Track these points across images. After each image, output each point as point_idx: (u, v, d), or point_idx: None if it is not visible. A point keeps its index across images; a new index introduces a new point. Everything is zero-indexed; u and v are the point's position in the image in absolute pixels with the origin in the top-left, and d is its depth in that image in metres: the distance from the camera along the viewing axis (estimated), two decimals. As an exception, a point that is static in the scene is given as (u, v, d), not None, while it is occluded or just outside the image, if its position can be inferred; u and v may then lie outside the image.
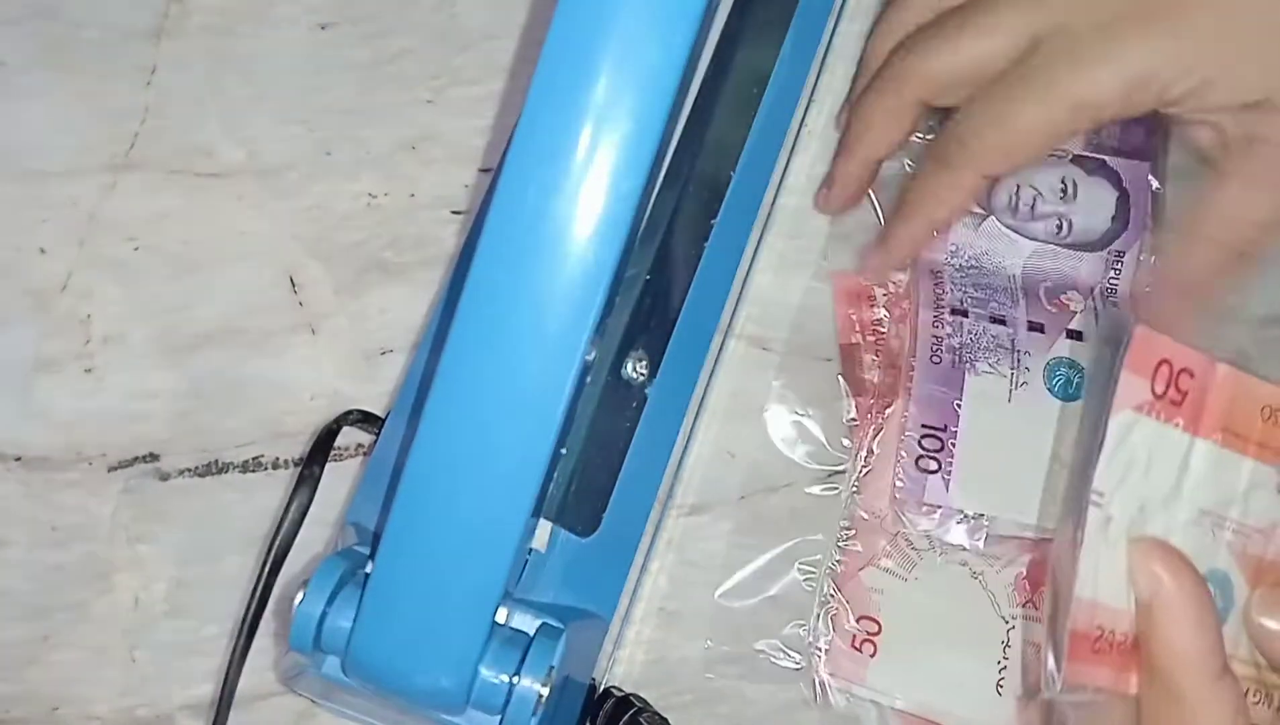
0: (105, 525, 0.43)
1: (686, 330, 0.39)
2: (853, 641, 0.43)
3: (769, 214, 0.45)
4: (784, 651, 0.43)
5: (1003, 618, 0.43)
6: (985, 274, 0.45)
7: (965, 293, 0.45)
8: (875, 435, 0.44)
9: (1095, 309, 0.45)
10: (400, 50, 0.48)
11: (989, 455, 0.43)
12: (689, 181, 0.41)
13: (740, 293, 0.44)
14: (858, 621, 0.43)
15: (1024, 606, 0.43)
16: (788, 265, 0.46)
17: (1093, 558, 0.33)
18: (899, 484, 0.43)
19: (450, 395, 0.30)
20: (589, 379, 0.34)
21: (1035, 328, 0.44)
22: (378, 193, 0.47)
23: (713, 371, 0.43)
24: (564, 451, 0.36)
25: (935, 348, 0.44)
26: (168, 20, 0.48)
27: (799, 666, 0.43)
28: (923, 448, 0.43)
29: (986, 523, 0.43)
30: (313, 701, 0.40)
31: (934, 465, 0.42)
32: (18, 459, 0.44)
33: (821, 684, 0.43)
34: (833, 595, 0.43)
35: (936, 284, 0.45)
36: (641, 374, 0.39)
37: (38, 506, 0.44)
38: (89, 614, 0.43)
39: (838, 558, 0.43)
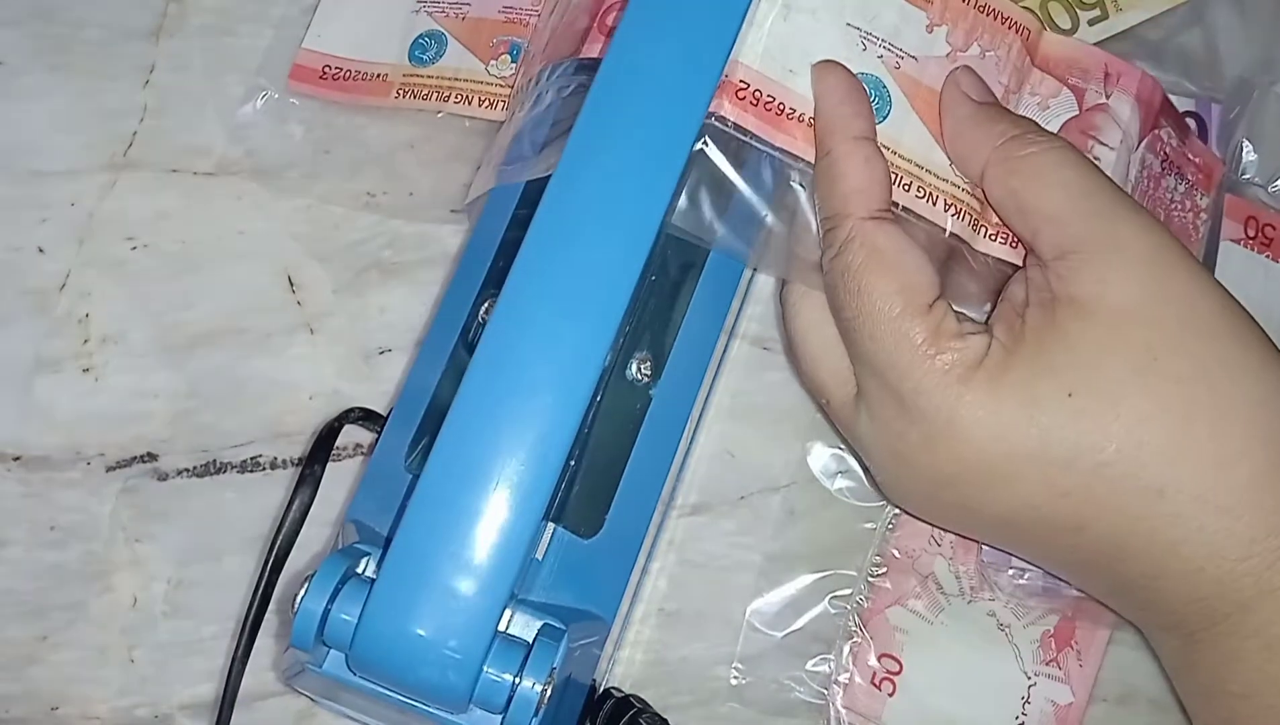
0: (104, 525, 0.43)
1: (690, 331, 0.39)
2: (872, 678, 0.43)
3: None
4: (808, 684, 0.43)
5: (1025, 673, 0.43)
6: None
7: None
8: None
9: None
10: (400, 50, 0.48)
11: None
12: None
13: (745, 293, 0.44)
14: (879, 659, 0.43)
15: (1048, 664, 0.43)
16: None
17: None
18: (985, 546, 0.42)
19: (475, 403, 0.31)
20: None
21: None
22: (377, 192, 0.47)
23: (716, 372, 0.43)
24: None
25: None
26: (167, 19, 0.48)
27: (820, 701, 0.43)
28: None
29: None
30: (312, 700, 0.40)
31: None
32: (17, 458, 0.44)
33: (838, 718, 0.43)
34: (858, 630, 0.43)
35: None
36: (645, 375, 0.39)
37: (37, 506, 0.43)
38: (88, 614, 0.43)
39: (866, 593, 0.43)
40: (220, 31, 0.48)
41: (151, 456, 0.44)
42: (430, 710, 0.32)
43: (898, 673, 0.43)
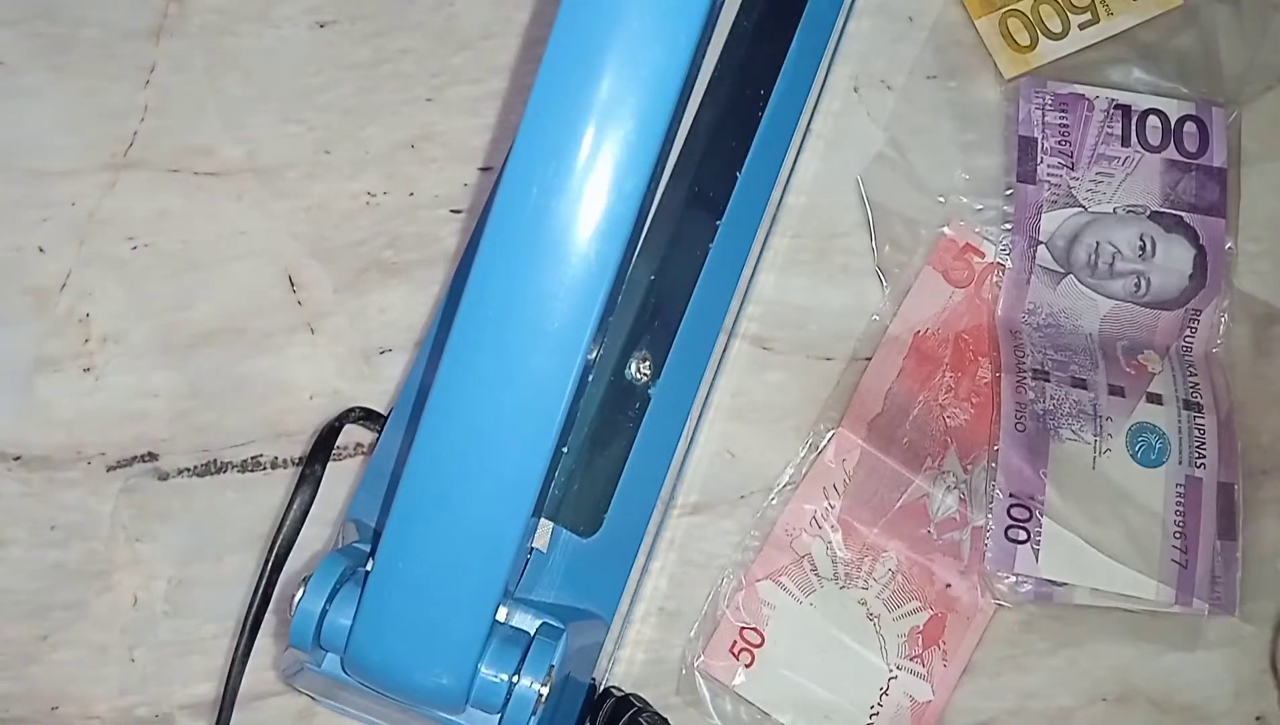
0: (105, 524, 0.43)
1: (690, 331, 0.39)
2: (732, 647, 0.43)
3: (774, 214, 0.45)
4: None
5: (888, 665, 0.43)
6: (1063, 333, 0.45)
7: (1045, 355, 0.44)
8: (813, 458, 0.44)
9: (1173, 369, 0.44)
10: (400, 49, 0.48)
11: (1076, 524, 0.43)
12: (695, 182, 0.41)
13: (745, 293, 0.44)
14: (742, 631, 0.43)
15: (913, 660, 0.43)
16: (791, 264, 0.46)
17: None
18: (988, 555, 0.43)
19: (451, 393, 0.30)
20: (591, 379, 0.34)
21: (1115, 392, 0.44)
22: (377, 192, 0.47)
23: (716, 372, 0.43)
24: (565, 450, 0.36)
25: (1020, 415, 0.43)
26: (167, 19, 0.48)
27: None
28: (1011, 517, 0.43)
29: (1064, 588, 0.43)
30: (312, 699, 0.40)
31: (1023, 535, 0.42)
32: (17, 458, 0.44)
33: (697, 681, 0.43)
34: (727, 598, 0.43)
35: (1017, 347, 0.45)
36: (645, 375, 0.39)
37: (37, 505, 0.43)
38: (88, 613, 0.43)
39: (740, 564, 0.44)
40: (220, 31, 0.48)
41: (152, 456, 0.44)
42: (429, 709, 0.32)
43: (759, 645, 0.43)
